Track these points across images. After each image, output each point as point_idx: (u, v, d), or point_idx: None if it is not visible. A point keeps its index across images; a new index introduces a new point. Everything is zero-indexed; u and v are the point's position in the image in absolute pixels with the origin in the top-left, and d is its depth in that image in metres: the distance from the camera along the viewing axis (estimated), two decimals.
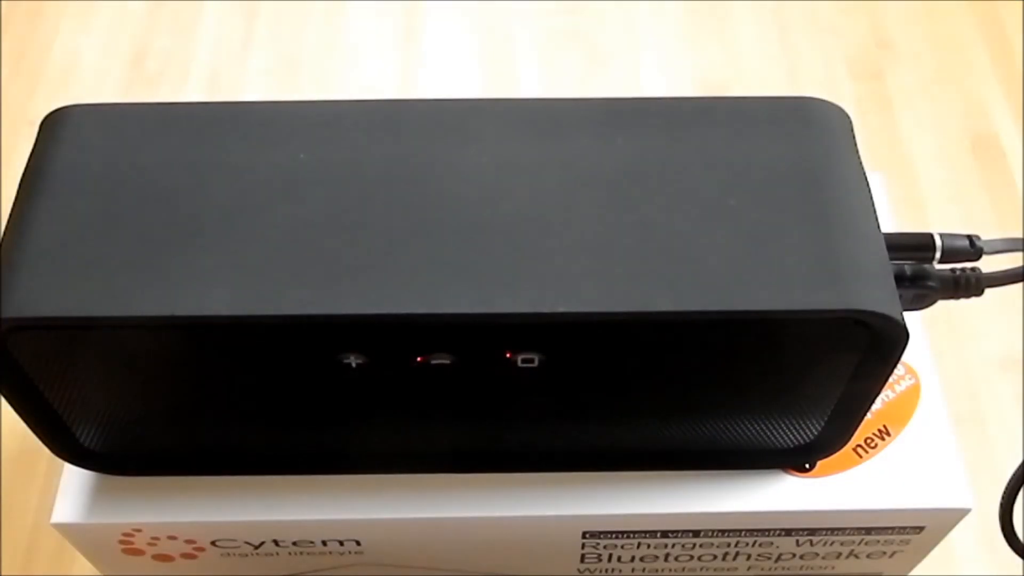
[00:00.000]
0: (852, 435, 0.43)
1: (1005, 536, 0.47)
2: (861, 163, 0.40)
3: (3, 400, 0.61)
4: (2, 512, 0.60)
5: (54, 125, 0.40)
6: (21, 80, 0.81)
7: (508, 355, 0.38)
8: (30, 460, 0.62)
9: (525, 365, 0.39)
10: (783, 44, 0.83)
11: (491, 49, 0.84)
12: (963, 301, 0.44)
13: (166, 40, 0.84)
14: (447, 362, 0.39)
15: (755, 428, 0.43)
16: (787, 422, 0.43)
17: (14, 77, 0.81)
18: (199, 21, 0.85)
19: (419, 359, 0.39)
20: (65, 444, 0.43)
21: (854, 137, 0.40)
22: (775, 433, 0.43)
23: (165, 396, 0.42)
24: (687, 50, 0.84)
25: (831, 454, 0.44)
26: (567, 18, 0.85)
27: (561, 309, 0.35)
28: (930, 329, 0.50)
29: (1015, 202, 0.73)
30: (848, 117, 0.41)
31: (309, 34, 0.85)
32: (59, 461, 0.44)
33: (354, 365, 0.39)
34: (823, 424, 0.43)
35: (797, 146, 0.39)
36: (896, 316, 0.36)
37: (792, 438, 0.43)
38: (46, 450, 0.43)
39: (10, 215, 0.38)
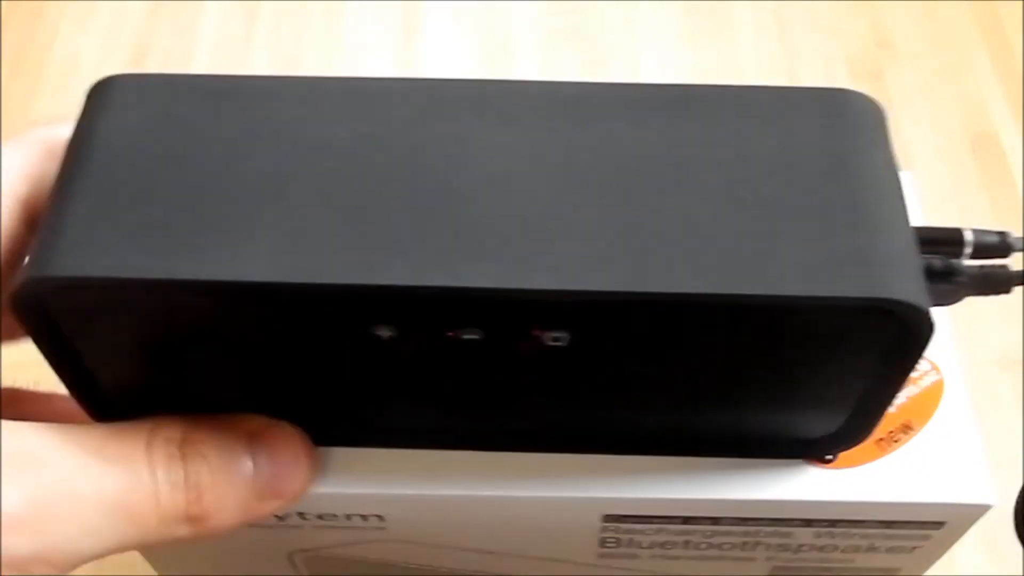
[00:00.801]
0: (875, 427, 0.43)
1: (1019, 535, 0.47)
2: (894, 155, 0.40)
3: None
4: None
5: (100, 93, 0.40)
6: (21, 80, 0.81)
7: (536, 333, 0.38)
8: None
9: (553, 343, 0.39)
10: (783, 44, 0.84)
11: (491, 49, 0.84)
12: (965, 301, 0.44)
13: (166, 40, 0.84)
14: (477, 337, 0.39)
15: (778, 416, 0.43)
16: (810, 411, 0.42)
17: (14, 77, 0.81)
18: (199, 21, 0.85)
19: (450, 333, 0.39)
20: (100, 406, 0.43)
21: (887, 130, 0.40)
22: (798, 422, 0.43)
23: (197, 362, 0.42)
24: (687, 50, 0.84)
25: (854, 445, 0.44)
26: (567, 18, 0.86)
27: (592, 287, 0.36)
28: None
29: (1015, 202, 0.74)
30: (881, 110, 0.41)
31: (309, 34, 0.85)
32: None
33: (385, 337, 0.39)
34: (846, 415, 0.42)
35: (830, 136, 0.39)
36: (924, 307, 0.36)
37: (815, 428, 0.43)
38: None
39: (56, 179, 0.38)
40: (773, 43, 0.82)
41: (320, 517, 0.47)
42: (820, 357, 0.40)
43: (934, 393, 0.47)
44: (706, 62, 0.82)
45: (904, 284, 0.36)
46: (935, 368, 0.47)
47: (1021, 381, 0.65)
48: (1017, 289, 0.44)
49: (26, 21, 0.84)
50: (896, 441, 0.46)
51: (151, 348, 0.41)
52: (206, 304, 0.38)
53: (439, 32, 0.84)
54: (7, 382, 0.65)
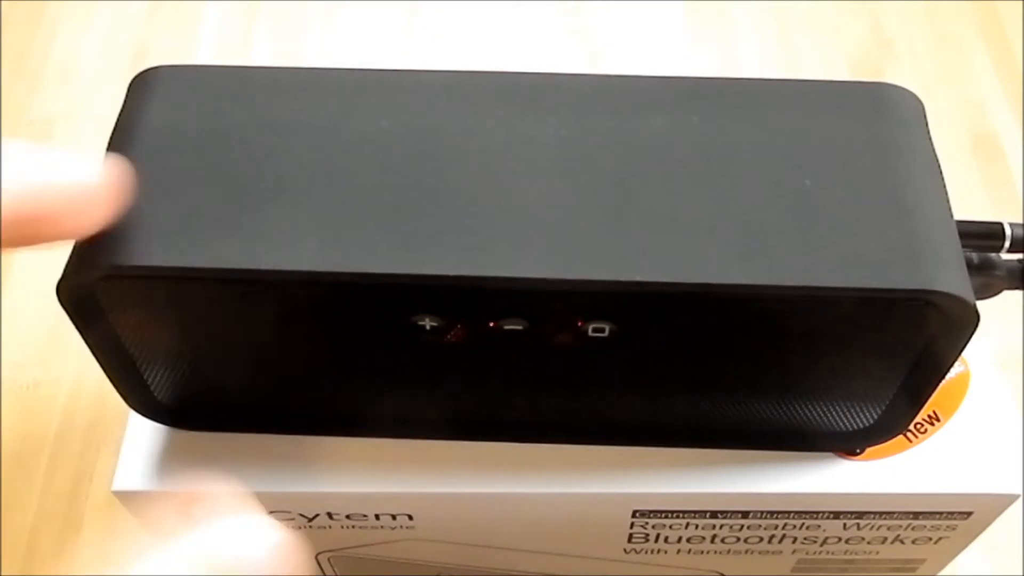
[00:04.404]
0: (911, 421, 0.43)
1: None
2: (934, 149, 0.40)
3: (3, 400, 0.60)
4: (2, 512, 0.60)
5: (143, 84, 0.41)
6: (21, 80, 0.81)
7: (580, 323, 0.38)
8: (30, 460, 0.62)
9: (595, 335, 0.39)
10: (783, 44, 0.84)
11: (491, 49, 0.84)
12: None
13: (166, 40, 0.83)
14: (519, 328, 0.39)
15: (814, 410, 0.43)
16: (847, 405, 0.42)
17: (14, 77, 0.81)
18: (199, 21, 0.85)
19: (492, 324, 0.39)
20: (138, 395, 0.43)
21: (927, 123, 0.41)
22: (833, 416, 0.43)
23: (237, 352, 0.42)
24: (687, 50, 0.84)
25: (888, 439, 0.44)
26: (567, 18, 0.86)
27: (637, 278, 0.35)
28: None
29: (1015, 202, 0.74)
30: (921, 103, 0.41)
31: (309, 34, 0.85)
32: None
33: (428, 327, 0.39)
34: (882, 408, 0.42)
35: (872, 129, 0.39)
36: (968, 298, 0.36)
37: (850, 421, 0.43)
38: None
39: None
40: (773, 43, 0.82)
41: (349, 517, 0.47)
42: (862, 349, 0.40)
43: (960, 384, 0.47)
44: (706, 62, 0.82)
45: (949, 276, 0.36)
46: (961, 360, 0.47)
47: (1021, 381, 0.65)
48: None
49: (26, 21, 0.83)
50: (923, 432, 0.46)
51: (196, 337, 0.41)
52: (249, 293, 0.38)
53: (439, 32, 0.84)
54: (7, 382, 0.65)
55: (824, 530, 0.48)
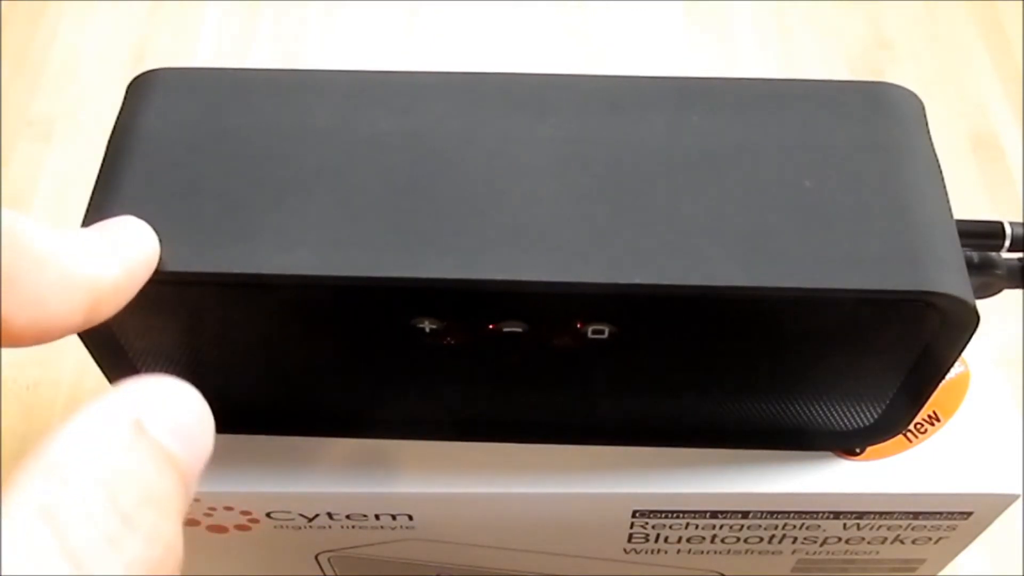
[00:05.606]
0: (911, 421, 0.43)
1: None
2: (934, 148, 0.40)
3: (3, 400, 0.60)
4: None
5: (141, 87, 0.40)
6: (21, 80, 0.80)
7: (579, 325, 0.38)
8: None
9: (595, 336, 0.39)
10: (783, 44, 0.84)
11: (491, 49, 0.84)
12: None
13: (166, 40, 0.83)
14: (519, 330, 0.39)
15: (814, 409, 0.43)
16: (847, 405, 0.42)
17: (14, 77, 0.81)
18: (199, 21, 0.85)
19: (491, 326, 0.39)
20: None
21: (927, 123, 0.40)
22: (834, 415, 0.43)
23: (238, 354, 0.42)
24: (687, 50, 0.84)
25: (889, 438, 0.44)
26: (567, 18, 0.86)
27: (636, 280, 0.35)
28: None
29: (1015, 202, 0.74)
30: (921, 102, 0.41)
31: (309, 34, 0.85)
32: None
33: (427, 330, 0.39)
34: (883, 409, 0.42)
35: (872, 129, 0.39)
36: (968, 299, 0.36)
37: (850, 421, 0.43)
38: None
39: (98, 174, 0.38)
40: (773, 43, 0.82)
41: (349, 517, 0.47)
42: (862, 350, 0.40)
43: (961, 385, 0.47)
44: (706, 62, 0.82)
45: (948, 277, 0.36)
46: (961, 360, 0.47)
47: (1021, 381, 0.65)
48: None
49: (26, 21, 0.83)
50: (923, 432, 0.46)
51: (195, 340, 0.41)
52: (248, 297, 0.38)
53: (439, 32, 0.84)
54: (7, 382, 0.65)
55: (824, 530, 0.48)
